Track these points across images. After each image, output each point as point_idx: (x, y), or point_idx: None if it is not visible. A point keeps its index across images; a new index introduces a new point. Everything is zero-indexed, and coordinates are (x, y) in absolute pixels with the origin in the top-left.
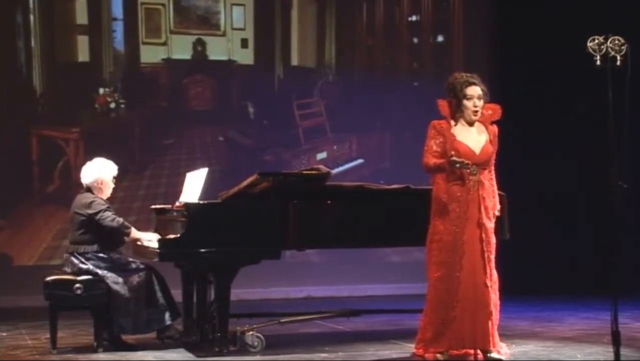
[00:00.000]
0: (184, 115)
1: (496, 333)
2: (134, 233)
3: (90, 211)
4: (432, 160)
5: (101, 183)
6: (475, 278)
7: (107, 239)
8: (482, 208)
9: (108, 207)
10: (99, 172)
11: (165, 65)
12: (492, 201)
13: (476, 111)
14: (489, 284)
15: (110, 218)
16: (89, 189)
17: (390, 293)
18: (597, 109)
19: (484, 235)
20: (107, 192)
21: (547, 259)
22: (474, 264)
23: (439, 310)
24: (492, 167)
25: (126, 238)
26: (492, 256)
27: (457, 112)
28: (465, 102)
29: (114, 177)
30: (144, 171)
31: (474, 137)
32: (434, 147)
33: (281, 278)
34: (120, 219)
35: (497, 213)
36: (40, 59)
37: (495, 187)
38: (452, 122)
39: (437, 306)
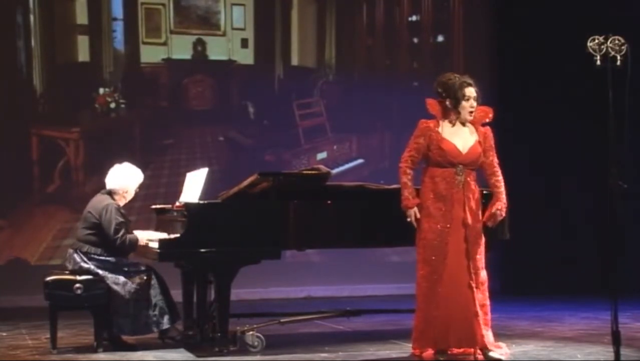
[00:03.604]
0: (184, 115)
1: (487, 333)
2: (141, 237)
3: (102, 220)
4: (406, 174)
5: (125, 192)
6: (459, 278)
7: (112, 248)
8: (467, 209)
9: (121, 222)
10: (126, 181)
11: (165, 65)
12: (477, 203)
13: (472, 112)
14: (473, 285)
15: (119, 239)
16: (110, 193)
17: (390, 293)
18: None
19: (469, 235)
20: (128, 200)
21: (547, 259)
22: (458, 265)
23: (422, 308)
24: (497, 169)
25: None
26: (479, 257)
27: (452, 112)
28: (463, 103)
29: (139, 186)
30: (144, 171)
31: (463, 137)
32: (412, 146)
33: (281, 278)
34: (127, 239)
35: (502, 214)
36: (40, 59)
37: (502, 188)
38: (442, 122)
39: (421, 305)
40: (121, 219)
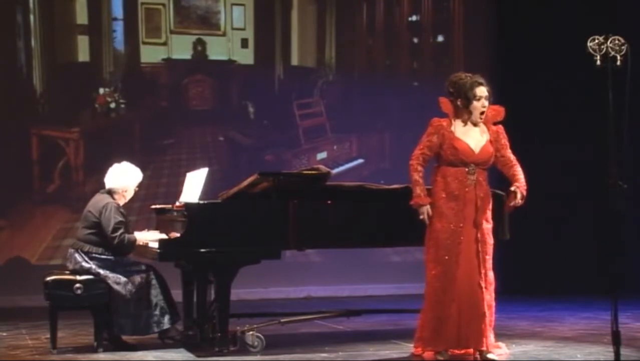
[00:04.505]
0: (184, 115)
1: (490, 334)
2: (139, 238)
3: (102, 220)
4: (417, 171)
5: (125, 191)
6: (470, 278)
7: (110, 246)
8: (478, 208)
9: (120, 222)
10: (125, 180)
11: (165, 65)
12: (488, 203)
13: (484, 111)
14: (482, 285)
15: (117, 238)
16: (110, 192)
17: (390, 293)
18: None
19: (479, 235)
20: (128, 199)
21: (547, 259)
22: (469, 265)
23: (436, 308)
24: (514, 163)
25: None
26: (488, 257)
27: (463, 112)
28: (475, 103)
29: (138, 185)
30: (144, 171)
31: (476, 137)
32: (424, 144)
33: (281, 278)
34: (126, 238)
35: (523, 192)
36: (40, 59)
37: (521, 176)
38: (454, 121)
39: (434, 305)
40: (120, 218)
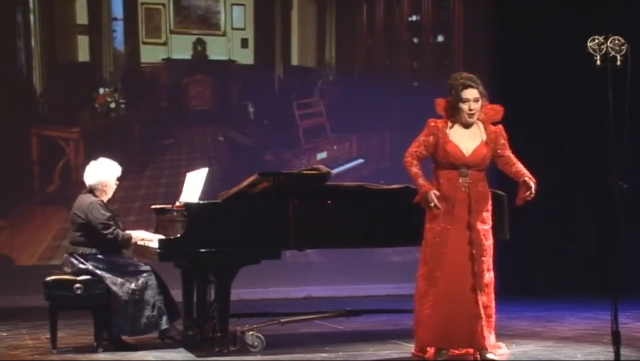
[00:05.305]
0: (184, 115)
1: (489, 335)
2: (136, 235)
3: (90, 219)
4: (413, 165)
5: (105, 186)
6: (459, 280)
7: (105, 245)
8: (472, 210)
9: (109, 217)
10: (104, 175)
11: (165, 65)
12: (485, 204)
13: (471, 114)
14: (477, 288)
15: (110, 234)
16: (91, 190)
17: (390, 293)
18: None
19: (474, 237)
20: (110, 193)
21: (547, 259)
22: (459, 267)
23: (417, 307)
24: (515, 161)
25: (125, 250)
26: (484, 258)
27: (454, 113)
28: (460, 105)
29: (117, 178)
30: (144, 171)
31: (468, 139)
32: (420, 142)
33: (281, 278)
34: (120, 234)
35: (533, 179)
36: (40, 59)
37: (526, 171)
38: (449, 122)
39: (416, 304)
40: (108, 214)
